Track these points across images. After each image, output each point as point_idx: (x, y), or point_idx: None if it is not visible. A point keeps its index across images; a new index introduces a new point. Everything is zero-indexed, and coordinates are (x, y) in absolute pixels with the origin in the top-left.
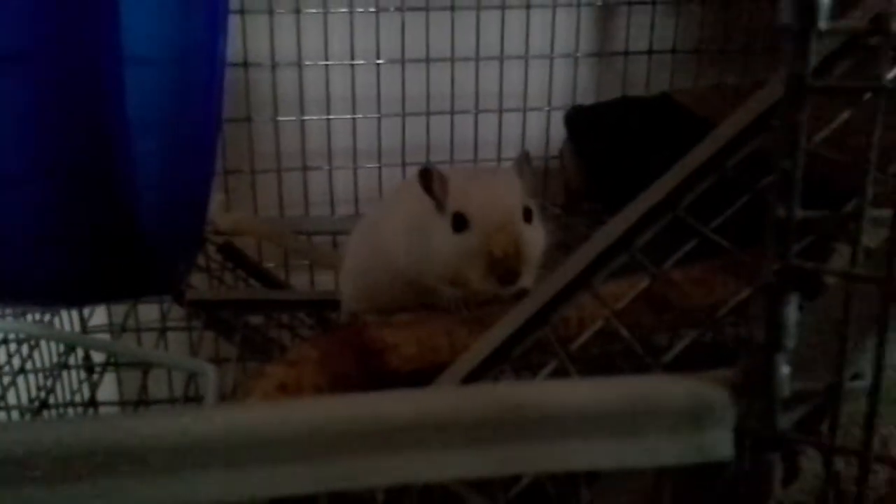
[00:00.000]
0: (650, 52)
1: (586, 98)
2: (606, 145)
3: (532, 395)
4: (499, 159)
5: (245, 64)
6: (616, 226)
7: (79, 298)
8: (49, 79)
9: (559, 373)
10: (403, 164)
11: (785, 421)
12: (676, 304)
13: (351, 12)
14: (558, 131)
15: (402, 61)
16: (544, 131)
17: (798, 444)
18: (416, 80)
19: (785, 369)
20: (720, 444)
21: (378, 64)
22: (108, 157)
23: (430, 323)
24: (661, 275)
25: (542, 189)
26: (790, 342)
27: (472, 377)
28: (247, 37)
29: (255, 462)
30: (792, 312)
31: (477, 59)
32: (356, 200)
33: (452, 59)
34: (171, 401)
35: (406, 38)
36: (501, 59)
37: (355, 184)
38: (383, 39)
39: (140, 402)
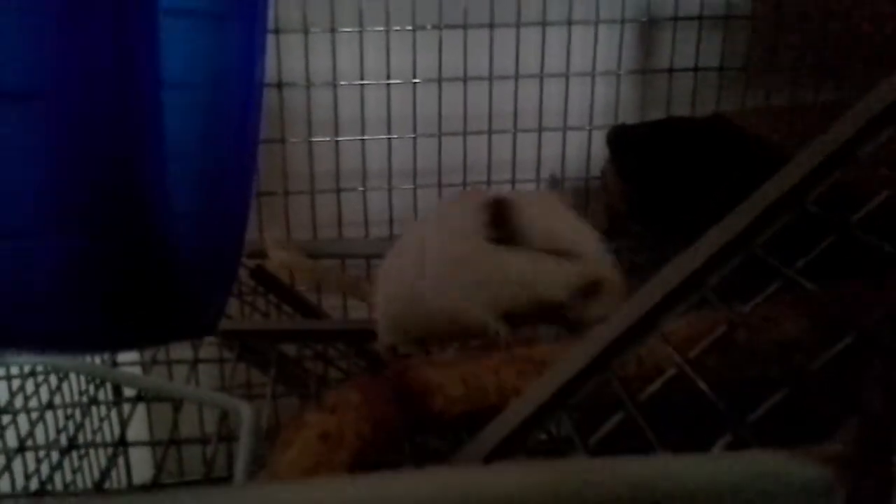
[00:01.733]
0: (696, 69)
1: (629, 117)
2: (652, 166)
3: (664, 472)
4: (538, 180)
5: (279, 84)
6: (686, 262)
7: (112, 345)
8: (70, 121)
9: (626, 425)
10: (440, 185)
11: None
12: (743, 343)
13: (387, 31)
14: (599, 151)
15: (440, 80)
16: (585, 151)
17: None
18: (453, 99)
19: None
20: None
21: (414, 83)
22: (141, 194)
23: (475, 362)
24: (739, 318)
25: (582, 211)
26: None
27: (525, 426)
28: (281, 56)
29: None
30: None
31: (516, 77)
32: (391, 222)
33: (491, 78)
34: (203, 441)
35: (443, 57)
36: (541, 76)
37: (390, 205)
38: (420, 58)
39: (172, 441)
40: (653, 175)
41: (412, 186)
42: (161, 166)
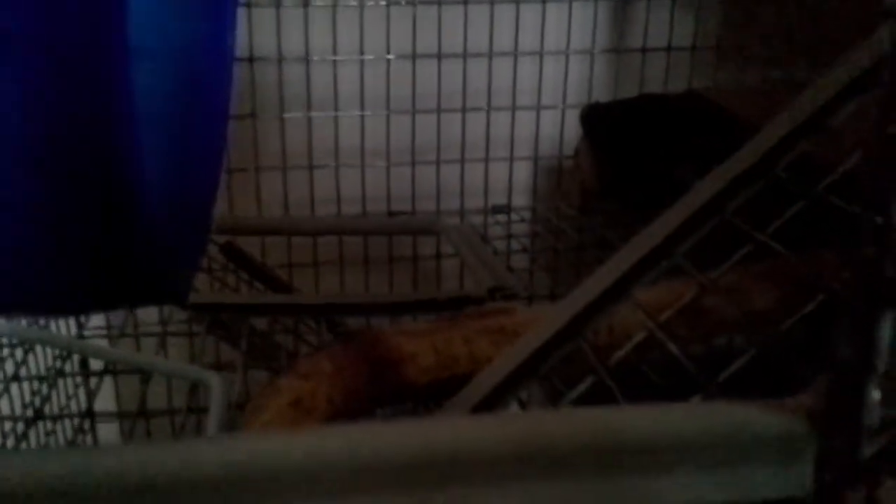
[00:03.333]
0: (669, 48)
1: (602, 96)
2: (627, 143)
3: (631, 421)
4: (511, 158)
5: (251, 59)
6: (657, 230)
7: (76, 307)
8: (40, 65)
9: (597, 390)
10: (413, 163)
11: (868, 451)
12: (711, 312)
13: (361, 6)
14: (572, 130)
15: (413, 57)
16: (558, 129)
17: (881, 475)
18: (427, 76)
19: (875, 395)
20: (801, 478)
21: (388, 59)
22: (108, 155)
23: (447, 331)
24: (709, 284)
25: (556, 189)
26: (882, 365)
27: (496, 393)
28: (253, 30)
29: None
30: (886, 331)
31: (490, 54)
32: (364, 199)
33: (465, 55)
34: (172, 412)
35: (417, 33)
36: (515, 54)
37: (363, 183)
38: (394, 34)
39: (140, 413)
40: (627, 152)
41: (385, 164)
42: (130, 128)
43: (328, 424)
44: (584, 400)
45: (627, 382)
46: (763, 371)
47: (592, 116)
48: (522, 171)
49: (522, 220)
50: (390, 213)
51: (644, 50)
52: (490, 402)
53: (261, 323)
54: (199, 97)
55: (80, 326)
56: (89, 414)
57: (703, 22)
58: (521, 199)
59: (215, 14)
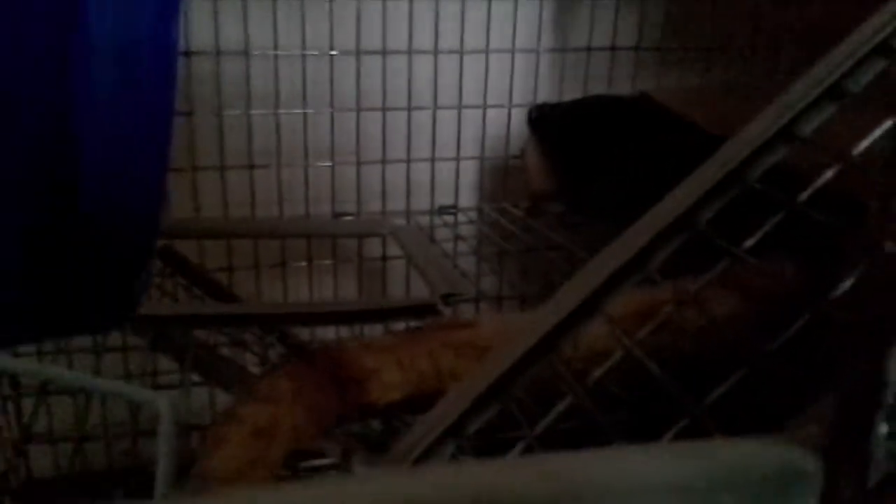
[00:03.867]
0: (613, 48)
1: (546, 95)
2: (575, 145)
3: (596, 468)
4: (458, 158)
5: (187, 53)
6: (629, 243)
7: (10, 338)
8: None
9: (574, 411)
10: (358, 163)
11: (873, 481)
12: (671, 322)
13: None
14: (517, 129)
15: (357, 53)
16: (502, 129)
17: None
18: (372, 73)
19: (883, 428)
20: None
21: (332, 55)
22: (50, 149)
23: (411, 346)
24: (687, 296)
25: (501, 189)
26: (891, 398)
27: (467, 415)
28: (189, 22)
29: None
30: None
31: (435, 52)
32: (306, 201)
33: (410, 52)
34: (115, 435)
35: (362, 29)
36: (461, 52)
37: (306, 183)
38: (337, 30)
39: (82, 438)
40: (575, 154)
41: (329, 164)
42: (72, 122)
43: (290, 451)
44: (560, 420)
45: (598, 393)
46: (741, 387)
47: (540, 117)
48: (467, 171)
49: (470, 222)
50: (335, 215)
51: (589, 49)
52: (458, 429)
53: (202, 333)
54: (141, 94)
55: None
56: (27, 439)
57: (647, 23)
58: (465, 199)
59: (158, 8)
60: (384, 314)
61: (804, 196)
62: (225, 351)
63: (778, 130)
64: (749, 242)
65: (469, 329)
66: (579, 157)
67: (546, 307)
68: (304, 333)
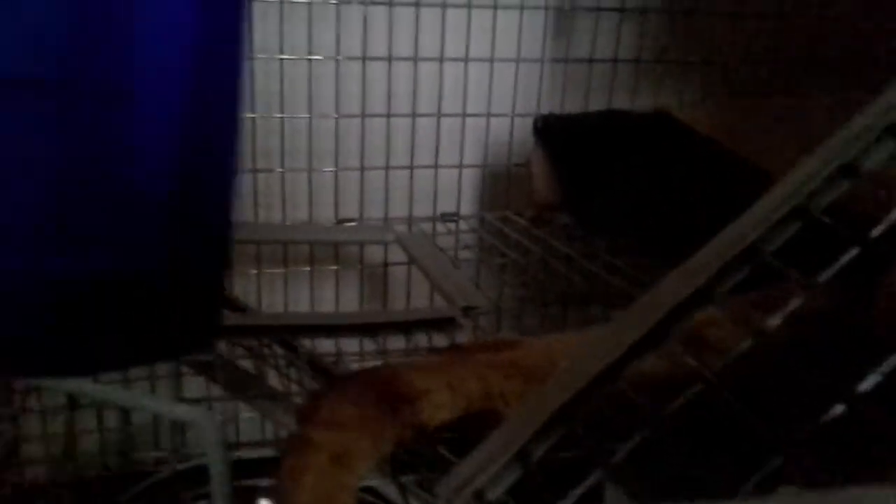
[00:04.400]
0: (615, 60)
1: (549, 106)
2: (586, 157)
3: None
4: (461, 165)
5: None
6: (697, 271)
7: (104, 366)
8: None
9: (648, 443)
10: (362, 168)
11: None
12: (716, 344)
13: (310, 3)
14: (521, 138)
15: (364, 59)
16: (506, 137)
17: None
18: (378, 79)
19: None
20: None
21: (337, 60)
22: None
23: (460, 367)
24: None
25: (503, 198)
26: None
27: (533, 441)
28: None
29: None
30: None
31: (441, 59)
32: (310, 205)
33: (416, 59)
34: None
35: (368, 35)
36: (466, 60)
37: (310, 188)
38: (343, 35)
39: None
40: (584, 166)
41: (333, 169)
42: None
43: (360, 478)
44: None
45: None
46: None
47: (547, 127)
48: (468, 179)
49: (472, 230)
50: (338, 220)
51: (591, 60)
52: (526, 451)
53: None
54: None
55: None
56: (71, 454)
57: (648, 36)
58: (467, 208)
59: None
60: (407, 326)
61: (877, 232)
62: (243, 364)
63: (842, 165)
64: (824, 276)
65: (514, 350)
66: (587, 169)
67: (609, 331)
68: (313, 346)
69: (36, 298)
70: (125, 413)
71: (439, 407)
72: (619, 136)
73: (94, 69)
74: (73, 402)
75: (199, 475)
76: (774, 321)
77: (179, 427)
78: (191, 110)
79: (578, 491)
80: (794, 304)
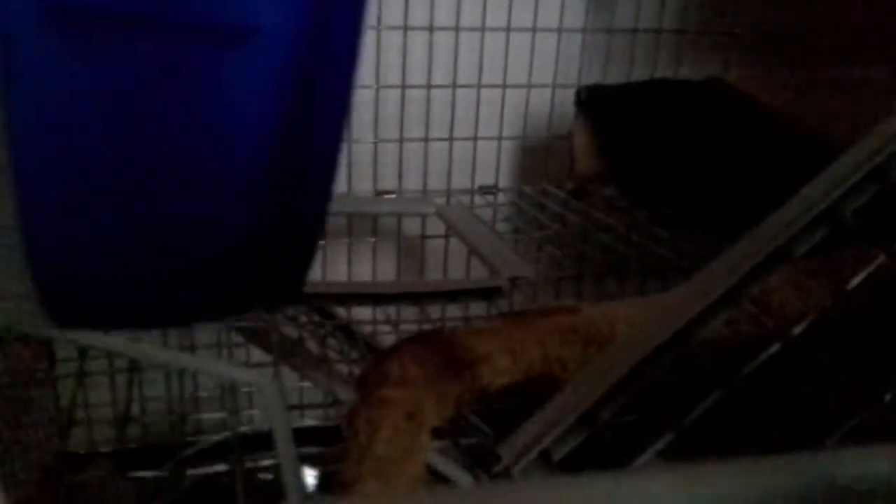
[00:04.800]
0: (659, 30)
1: (592, 77)
2: (631, 127)
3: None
4: (500, 137)
5: None
6: (772, 232)
7: (225, 309)
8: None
9: (723, 408)
10: (401, 140)
11: None
12: (776, 310)
13: None
14: (561, 109)
15: (405, 28)
16: (545, 109)
17: None
18: (419, 49)
19: None
20: None
21: (378, 30)
22: (307, 144)
23: (520, 331)
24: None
25: (542, 170)
26: None
27: (601, 403)
28: None
29: None
30: None
31: (483, 29)
32: (349, 178)
33: (457, 29)
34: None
35: (409, 4)
36: (508, 29)
37: (349, 160)
38: (384, 4)
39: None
40: (630, 136)
41: (373, 141)
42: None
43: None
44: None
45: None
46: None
47: (591, 98)
48: (507, 152)
49: (512, 203)
50: (377, 193)
51: (635, 31)
52: (594, 414)
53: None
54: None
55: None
56: (127, 417)
57: (692, 5)
58: (505, 180)
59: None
60: (453, 295)
61: None
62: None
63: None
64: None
65: (573, 315)
66: (633, 139)
67: (679, 294)
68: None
69: (132, 245)
70: (184, 378)
71: (500, 371)
72: (667, 105)
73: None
74: (134, 366)
75: (261, 441)
76: (857, 280)
77: (246, 394)
78: (308, 53)
79: (649, 454)
80: (878, 262)
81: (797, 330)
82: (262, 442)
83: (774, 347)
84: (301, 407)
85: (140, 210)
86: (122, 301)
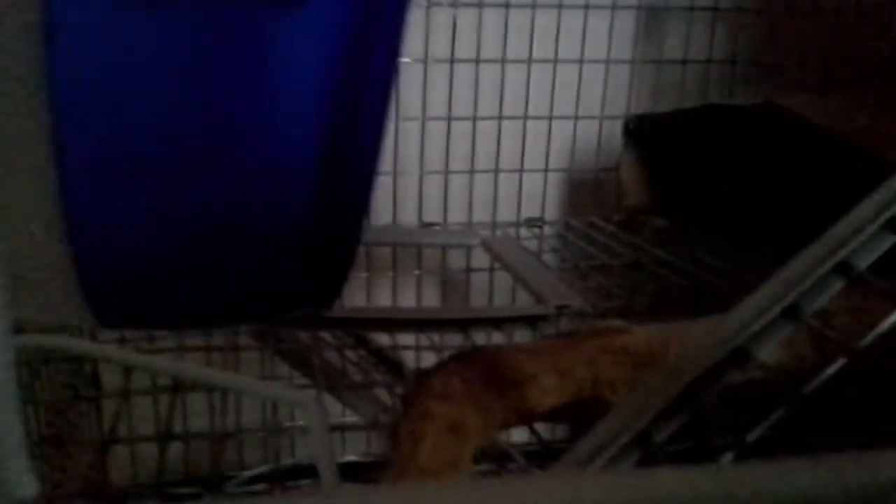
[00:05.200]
0: (709, 61)
1: (640, 108)
2: (687, 156)
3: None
4: (546, 169)
5: None
6: (831, 244)
7: (270, 310)
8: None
9: (785, 428)
10: (446, 172)
11: None
12: (836, 334)
13: None
14: (609, 141)
15: (452, 61)
16: (592, 141)
17: None
18: (465, 82)
19: None
20: None
21: (425, 63)
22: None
23: (568, 351)
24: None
25: (589, 202)
26: None
27: (655, 423)
28: None
29: None
30: None
31: (529, 61)
32: (394, 209)
33: (503, 61)
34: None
35: (456, 36)
36: (555, 61)
37: (394, 191)
38: (432, 37)
39: (227, 434)
40: (684, 165)
41: (418, 173)
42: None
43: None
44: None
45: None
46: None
47: (639, 128)
48: (553, 184)
49: (560, 236)
50: (422, 224)
51: (685, 62)
52: (647, 434)
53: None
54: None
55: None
56: (169, 435)
57: (743, 35)
58: (551, 213)
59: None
60: (498, 322)
61: None
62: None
63: None
64: None
65: (624, 336)
66: (684, 168)
67: (737, 312)
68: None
69: (179, 236)
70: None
71: (547, 392)
72: (719, 131)
73: None
74: (178, 384)
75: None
76: None
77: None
78: (360, 23)
79: None
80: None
81: (864, 342)
82: (303, 473)
83: (839, 363)
84: (342, 428)
85: (188, 195)
86: (166, 297)
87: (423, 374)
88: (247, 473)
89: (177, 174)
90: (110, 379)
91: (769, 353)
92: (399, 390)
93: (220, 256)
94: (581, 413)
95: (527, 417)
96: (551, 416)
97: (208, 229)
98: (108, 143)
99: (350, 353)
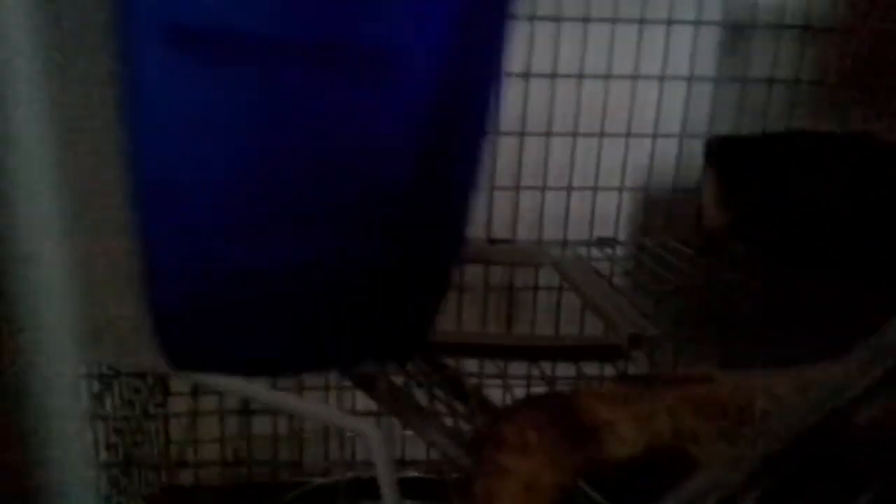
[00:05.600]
0: (798, 81)
1: (720, 128)
2: (771, 181)
3: None
4: (622, 188)
5: None
6: None
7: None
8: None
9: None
10: (518, 188)
11: None
12: None
13: None
14: (689, 160)
15: (527, 75)
16: (669, 160)
17: None
18: (540, 97)
19: None
20: None
21: None
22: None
23: (647, 400)
24: None
25: (663, 223)
26: None
27: (741, 489)
28: None
29: None
30: None
31: (608, 76)
32: None
33: (581, 76)
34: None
35: (532, 51)
36: (636, 77)
37: None
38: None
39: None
40: (768, 191)
41: (488, 189)
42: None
43: None
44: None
45: None
46: None
47: (723, 149)
48: (627, 202)
49: (633, 257)
50: (491, 241)
51: (772, 81)
52: (732, 499)
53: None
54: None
55: None
56: (237, 461)
57: (832, 55)
58: (623, 233)
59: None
60: (567, 353)
61: None
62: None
63: None
64: None
65: (706, 384)
66: (767, 194)
67: (837, 367)
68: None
69: (260, 286)
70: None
71: (623, 441)
72: (809, 158)
73: (349, 29)
74: (247, 407)
75: (365, 487)
76: None
77: (351, 439)
78: (447, 86)
79: None
80: None
81: None
82: (366, 488)
83: None
84: (403, 462)
85: (270, 246)
86: (240, 345)
87: (494, 421)
88: (308, 484)
89: (257, 224)
90: (175, 399)
91: (866, 418)
92: (467, 428)
93: (299, 308)
94: (659, 465)
95: (601, 467)
96: (627, 466)
97: (288, 281)
98: (189, 188)
99: (418, 377)
